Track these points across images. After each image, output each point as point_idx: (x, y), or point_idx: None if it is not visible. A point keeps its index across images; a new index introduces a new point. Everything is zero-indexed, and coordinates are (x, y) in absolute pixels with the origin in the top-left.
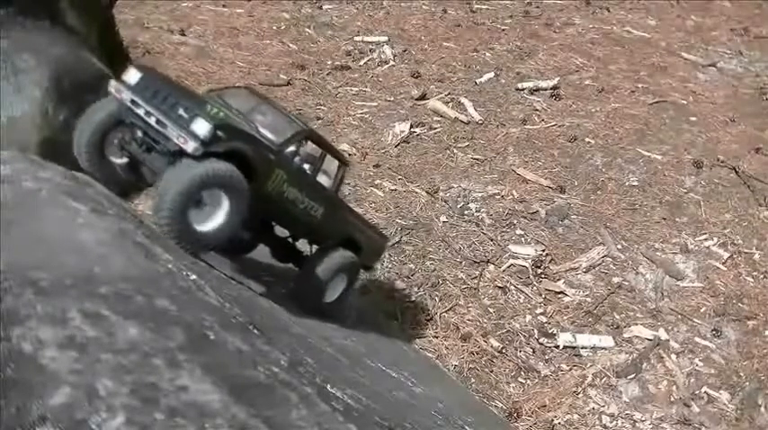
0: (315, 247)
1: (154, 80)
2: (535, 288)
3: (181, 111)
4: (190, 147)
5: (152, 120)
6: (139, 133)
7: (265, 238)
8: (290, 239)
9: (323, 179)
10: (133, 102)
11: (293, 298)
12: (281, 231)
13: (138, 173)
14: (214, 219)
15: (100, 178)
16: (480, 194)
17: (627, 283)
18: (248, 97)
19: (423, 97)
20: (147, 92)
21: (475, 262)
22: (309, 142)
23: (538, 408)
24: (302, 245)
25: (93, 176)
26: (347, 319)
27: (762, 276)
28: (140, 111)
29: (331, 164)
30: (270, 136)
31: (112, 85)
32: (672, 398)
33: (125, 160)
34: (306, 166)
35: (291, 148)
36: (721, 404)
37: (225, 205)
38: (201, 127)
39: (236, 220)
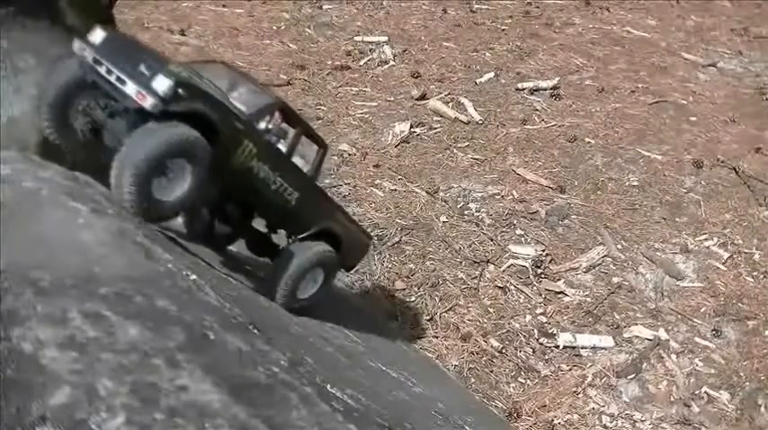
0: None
1: (118, 40)
2: (535, 288)
3: (142, 68)
4: (148, 103)
5: (112, 78)
6: (104, 100)
7: (242, 230)
8: (266, 232)
9: (299, 163)
10: (95, 60)
11: (265, 293)
12: (259, 226)
13: (101, 140)
14: (176, 190)
15: (62, 145)
16: (480, 194)
17: (627, 283)
18: (224, 71)
19: (423, 97)
20: (111, 51)
21: (475, 262)
22: (284, 119)
23: (538, 408)
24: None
25: (54, 143)
26: (338, 319)
27: (762, 276)
28: (102, 70)
29: (309, 147)
30: (241, 106)
31: (76, 44)
32: (672, 398)
33: (87, 126)
34: (280, 146)
35: (264, 124)
36: (721, 404)
37: (187, 174)
38: (162, 83)
39: (197, 190)
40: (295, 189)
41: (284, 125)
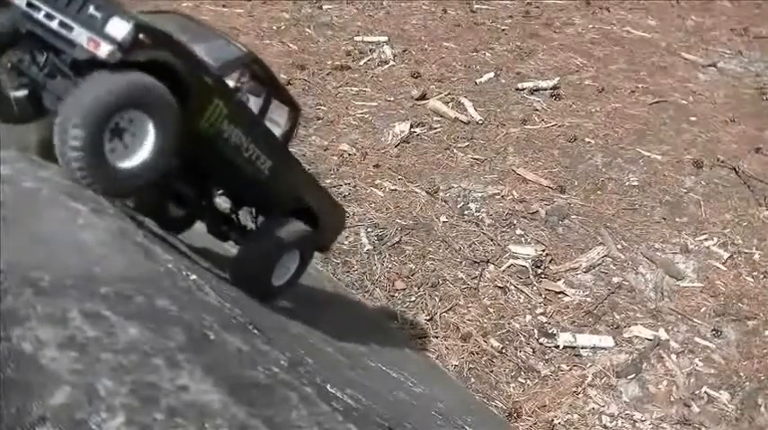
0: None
1: None
2: (535, 288)
3: (91, 10)
4: (104, 51)
5: (54, 24)
6: (42, 55)
7: (201, 211)
8: (231, 212)
9: (270, 127)
10: (30, 4)
11: (236, 281)
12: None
13: (40, 107)
14: (138, 153)
15: None
16: (480, 194)
17: (627, 283)
18: (183, 21)
19: (423, 97)
20: None
21: (475, 262)
22: (254, 76)
23: (538, 408)
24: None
25: None
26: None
27: (762, 276)
28: (39, 15)
29: (278, 109)
30: (209, 60)
31: None
32: (672, 398)
33: (23, 92)
34: (252, 106)
35: (234, 81)
36: (721, 404)
37: (150, 133)
38: (119, 27)
39: (166, 152)
40: (268, 157)
41: (257, 85)
